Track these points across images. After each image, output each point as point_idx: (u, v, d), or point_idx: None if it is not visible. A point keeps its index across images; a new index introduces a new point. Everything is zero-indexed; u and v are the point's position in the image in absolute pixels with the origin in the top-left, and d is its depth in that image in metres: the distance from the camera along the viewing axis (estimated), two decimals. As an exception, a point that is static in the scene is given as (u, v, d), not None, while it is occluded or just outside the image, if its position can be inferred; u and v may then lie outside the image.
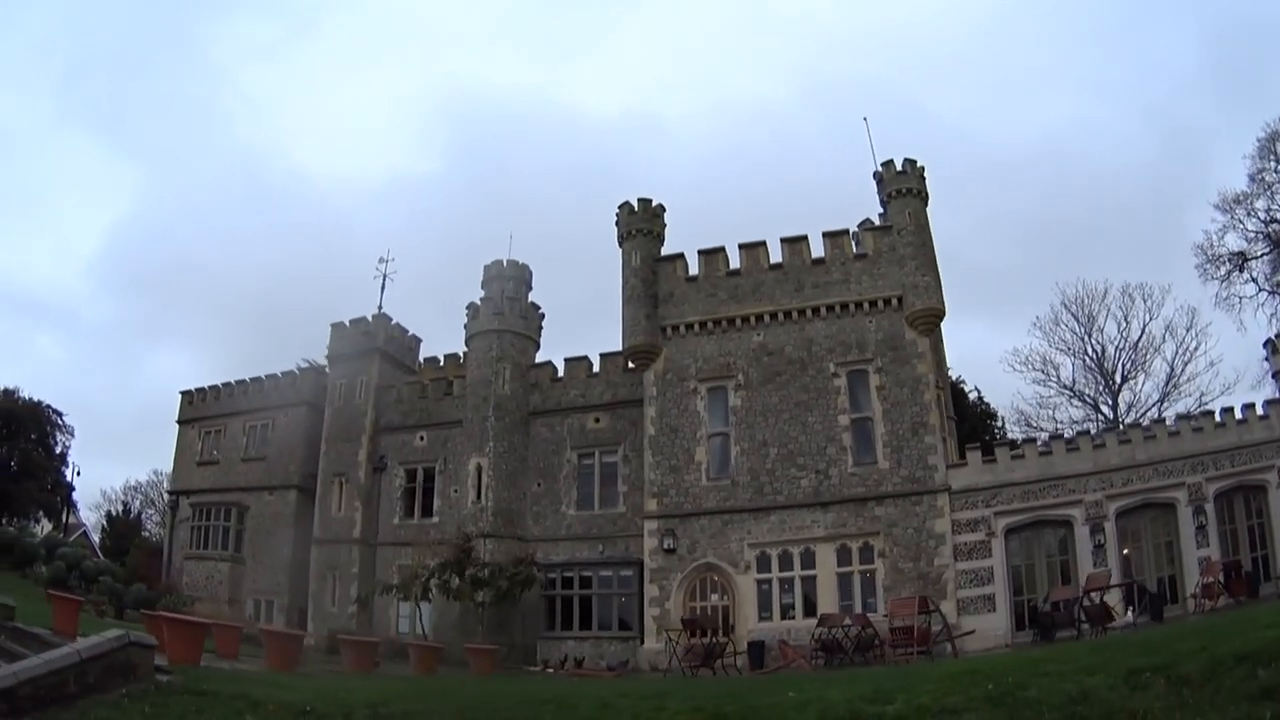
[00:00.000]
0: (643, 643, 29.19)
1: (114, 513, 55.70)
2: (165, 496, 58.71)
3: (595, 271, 78.36)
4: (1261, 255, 38.36)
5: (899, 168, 31.01)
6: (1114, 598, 23.09)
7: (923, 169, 31.12)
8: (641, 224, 32.96)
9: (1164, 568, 26.73)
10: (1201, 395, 42.62)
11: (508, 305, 36.25)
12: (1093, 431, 34.70)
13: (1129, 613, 22.23)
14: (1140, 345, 44.19)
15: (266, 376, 40.57)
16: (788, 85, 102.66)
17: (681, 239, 33.69)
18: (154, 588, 34.04)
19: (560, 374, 35.71)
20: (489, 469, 34.07)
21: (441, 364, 41.18)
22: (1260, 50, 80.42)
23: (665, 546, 29.71)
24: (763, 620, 28.15)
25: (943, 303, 29.79)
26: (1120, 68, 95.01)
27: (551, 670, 28.08)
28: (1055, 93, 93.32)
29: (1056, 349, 46.12)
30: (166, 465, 60.69)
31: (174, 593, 33.29)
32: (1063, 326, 45.79)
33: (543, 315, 37.73)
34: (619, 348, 33.32)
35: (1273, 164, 36.81)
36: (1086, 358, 45.31)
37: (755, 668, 25.32)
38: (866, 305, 30.24)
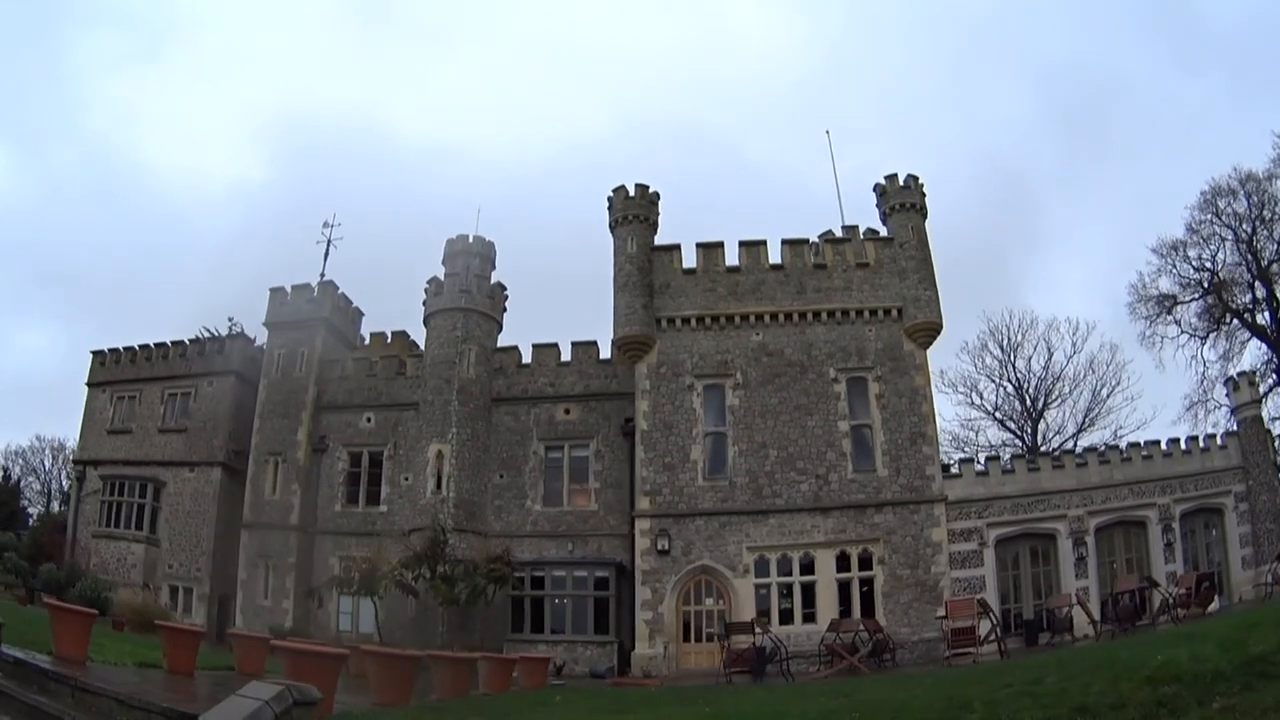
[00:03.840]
0: (634, 648, 26.01)
1: (-7, 479, 46.40)
2: (48, 464, 51.59)
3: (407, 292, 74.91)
4: (1190, 301, 39.30)
5: (902, 183, 29.49)
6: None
7: (923, 185, 29.70)
8: (638, 210, 29.70)
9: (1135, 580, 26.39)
10: (1118, 429, 42.43)
11: (474, 283, 31.88)
12: (1003, 459, 33.62)
13: (1215, 600, 21.63)
14: (1062, 376, 43.64)
15: (191, 341, 33.87)
16: (607, 121, 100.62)
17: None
18: (60, 567, 27.43)
19: (527, 360, 31.76)
20: (451, 457, 29.63)
21: (376, 341, 35.70)
22: (1092, 99, 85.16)
23: (660, 547, 26.68)
24: (762, 625, 25.64)
25: (941, 317, 28.43)
26: (949, 120, 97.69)
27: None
28: (876, 143, 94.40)
29: (983, 374, 45.10)
30: (49, 430, 52.86)
31: (88, 575, 26.84)
32: (989, 353, 44.86)
33: (507, 297, 33.50)
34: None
35: (1210, 217, 37.68)
36: (1008, 384, 44.67)
37: (756, 675, 22.74)
38: (867, 314, 28.48)
